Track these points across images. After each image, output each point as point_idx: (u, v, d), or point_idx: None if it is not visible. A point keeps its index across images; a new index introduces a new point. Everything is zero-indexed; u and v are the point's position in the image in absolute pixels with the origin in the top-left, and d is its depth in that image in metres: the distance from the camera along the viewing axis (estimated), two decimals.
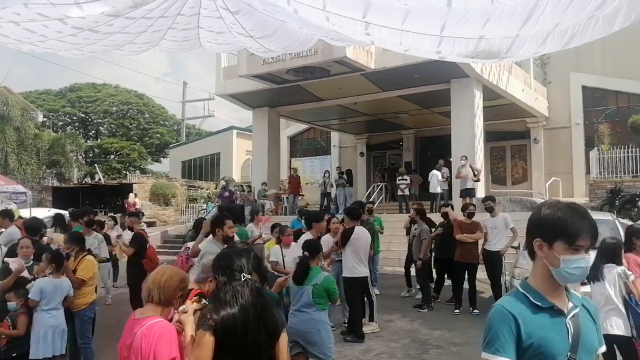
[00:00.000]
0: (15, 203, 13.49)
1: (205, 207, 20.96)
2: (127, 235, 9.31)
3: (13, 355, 5.15)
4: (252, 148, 21.05)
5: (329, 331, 4.97)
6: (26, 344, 5.17)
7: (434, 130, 21.89)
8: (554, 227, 1.86)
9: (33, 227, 6.75)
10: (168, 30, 5.70)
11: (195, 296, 3.26)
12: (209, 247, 4.95)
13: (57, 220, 9.08)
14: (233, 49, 8.10)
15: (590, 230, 1.84)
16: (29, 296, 5.20)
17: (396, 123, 22.22)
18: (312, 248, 5.14)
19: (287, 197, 19.81)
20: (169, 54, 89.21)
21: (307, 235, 6.77)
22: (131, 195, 20.66)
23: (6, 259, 5.81)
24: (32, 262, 5.79)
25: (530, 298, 1.88)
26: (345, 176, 19.11)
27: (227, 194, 19.14)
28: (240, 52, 14.42)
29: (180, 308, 2.74)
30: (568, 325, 1.85)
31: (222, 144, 32.79)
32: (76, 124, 48.07)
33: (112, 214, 15.18)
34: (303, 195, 20.77)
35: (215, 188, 25.48)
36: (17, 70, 70.89)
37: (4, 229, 7.49)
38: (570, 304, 1.91)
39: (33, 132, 24.74)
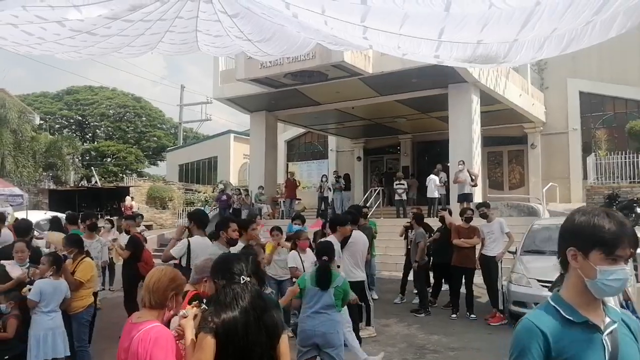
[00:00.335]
0: (12, 205, 13.49)
1: None
2: (124, 238, 9.29)
3: (5, 358, 5.12)
4: (250, 152, 21.08)
5: (343, 333, 5.06)
6: (17, 346, 5.16)
7: (432, 135, 21.83)
8: (591, 236, 1.71)
9: (22, 228, 6.89)
10: (166, 33, 5.69)
11: (191, 298, 3.25)
12: (214, 250, 4.99)
13: (54, 223, 9.07)
14: (231, 53, 8.09)
15: (630, 238, 1.70)
16: (29, 297, 5.17)
17: (394, 127, 22.27)
18: (329, 251, 5.17)
19: (283, 201, 19.78)
20: (166, 57, 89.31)
21: (331, 239, 6.74)
22: (128, 198, 20.62)
23: (2, 262, 5.79)
24: (27, 264, 5.78)
25: (562, 312, 1.73)
26: (342, 180, 19.12)
27: (224, 197, 19.12)
28: (238, 56, 14.40)
29: (180, 313, 2.73)
30: (605, 342, 1.70)
31: (220, 147, 32.76)
32: (73, 127, 47.99)
33: (109, 217, 15.13)
34: (300, 200, 20.76)
35: (213, 192, 25.45)
36: (14, 72, 71.16)
37: None
38: (608, 319, 1.75)
39: (30, 134, 24.71)
